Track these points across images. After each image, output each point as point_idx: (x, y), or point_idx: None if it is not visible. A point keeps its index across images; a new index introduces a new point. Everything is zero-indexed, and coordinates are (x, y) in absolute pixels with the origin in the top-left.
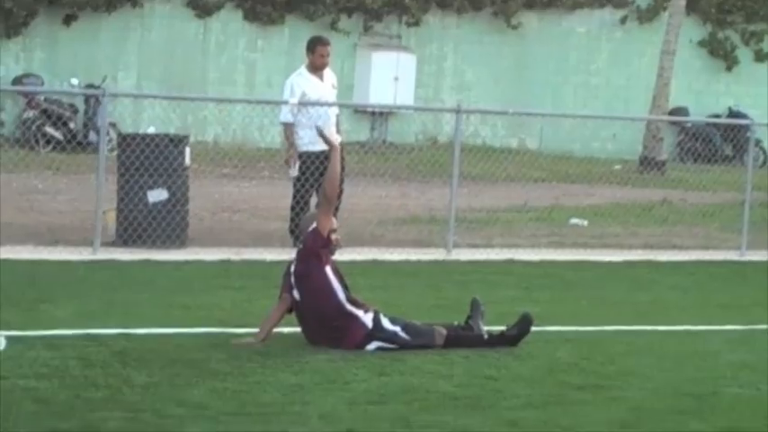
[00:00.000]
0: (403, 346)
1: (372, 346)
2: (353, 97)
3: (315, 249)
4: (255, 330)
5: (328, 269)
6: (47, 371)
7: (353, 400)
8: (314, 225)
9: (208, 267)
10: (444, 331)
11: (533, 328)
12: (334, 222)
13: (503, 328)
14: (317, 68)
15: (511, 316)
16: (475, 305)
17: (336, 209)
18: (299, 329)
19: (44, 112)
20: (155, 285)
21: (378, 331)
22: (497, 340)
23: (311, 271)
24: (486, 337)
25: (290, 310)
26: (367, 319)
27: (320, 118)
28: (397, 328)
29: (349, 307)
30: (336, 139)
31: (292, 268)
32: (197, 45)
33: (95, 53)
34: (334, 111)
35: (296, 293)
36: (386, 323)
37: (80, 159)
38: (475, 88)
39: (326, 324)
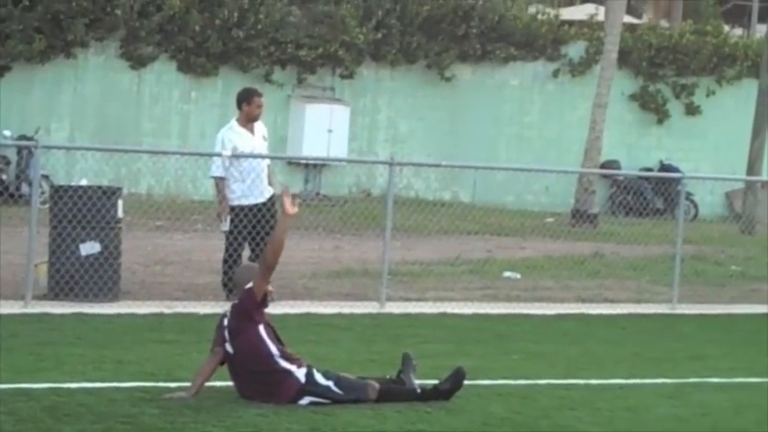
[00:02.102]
0: (336, 400)
1: (305, 401)
2: (287, 149)
3: (249, 309)
4: (188, 384)
5: (261, 328)
6: None
7: None
8: (250, 285)
9: (140, 321)
10: (377, 385)
11: (466, 382)
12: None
13: (435, 381)
14: (250, 120)
15: (444, 370)
16: (406, 359)
17: None
18: (231, 383)
19: None
20: (86, 339)
21: (311, 386)
22: (430, 394)
23: (244, 328)
24: (419, 390)
25: (222, 363)
26: (300, 374)
27: (253, 170)
28: (330, 383)
29: (282, 363)
30: (270, 191)
31: (225, 322)
32: (131, 96)
33: (28, 104)
34: (266, 162)
35: (228, 347)
36: (319, 378)
37: (12, 212)
38: (408, 141)
39: (259, 379)
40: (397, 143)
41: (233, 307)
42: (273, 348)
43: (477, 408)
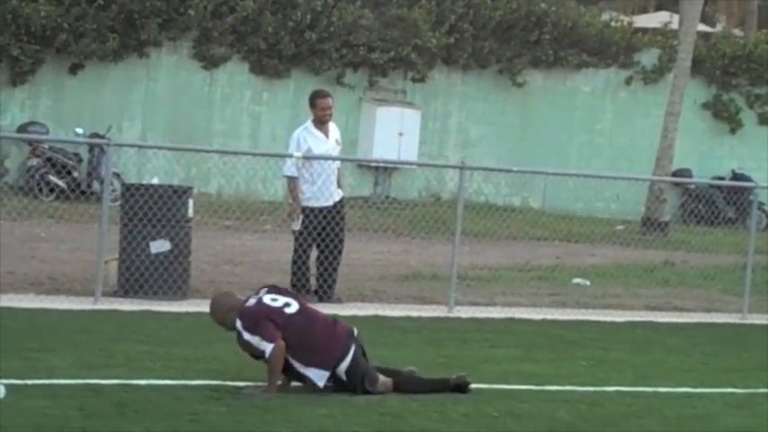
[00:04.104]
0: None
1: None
2: (357, 152)
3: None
4: (255, 383)
5: None
6: (46, 421)
7: None
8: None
9: (209, 319)
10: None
11: (534, 387)
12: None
13: (501, 386)
14: (321, 122)
15: (511, 375)
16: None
17: (337, 263)
18: (297, 384)
19: (48, 160)
20: (155, 336)
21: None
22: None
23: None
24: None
25: None
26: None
27: (323, 173)
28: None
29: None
30: (339, 194)
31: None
32: (202, 96)
33: (101, 102)
34: (337, 165)
35: (288, 316)
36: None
37: (83, 209)
38: (479, 145)
39: (320, 330)
40: (468, 148)
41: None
42: None
43: (543, 413)
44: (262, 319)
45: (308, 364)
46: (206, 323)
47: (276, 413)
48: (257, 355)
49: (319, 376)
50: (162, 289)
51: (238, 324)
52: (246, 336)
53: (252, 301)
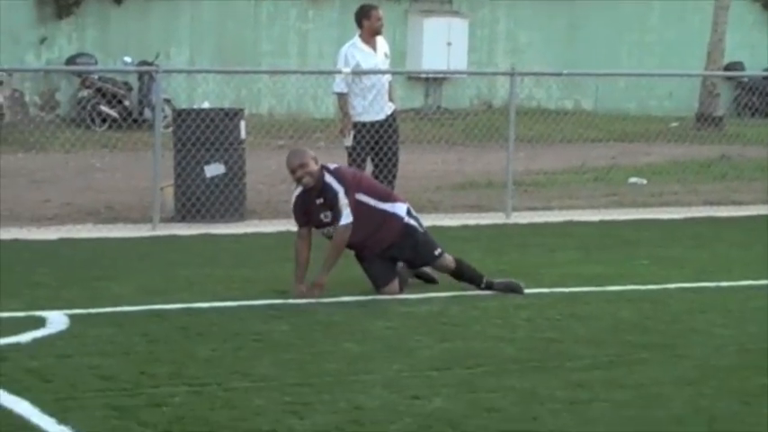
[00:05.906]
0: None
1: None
2: (406, 64)
3: None
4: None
5: None
6: (111, 348)
7: (417, 367)
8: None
9: (267, 239)
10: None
11: (595, 288)
12: None
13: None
14: (374, 34)
15: (572, 278)
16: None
17: (393, 176)
18: (360, 297)
19: (98, 90)
20: (215, 259)
21: None
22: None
23: None
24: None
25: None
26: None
27: (374, 87)
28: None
29: None
30: (391, 107)
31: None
32: (248, 18)
33: (147, 30)
34: (388, 78)
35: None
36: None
37: (136, 137)
38: (528, 51)
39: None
40: (517, 54)
41: None
42: None
43: (607, 314)
44: (352, 188)
45: (393, 201)
46: (265, 243)
47: (339, 328)
48: (327, 221)
49: (402, 209)
50: (219, 212)
51: (331, 178)
52: (341, 193)
53: (333, 165)
